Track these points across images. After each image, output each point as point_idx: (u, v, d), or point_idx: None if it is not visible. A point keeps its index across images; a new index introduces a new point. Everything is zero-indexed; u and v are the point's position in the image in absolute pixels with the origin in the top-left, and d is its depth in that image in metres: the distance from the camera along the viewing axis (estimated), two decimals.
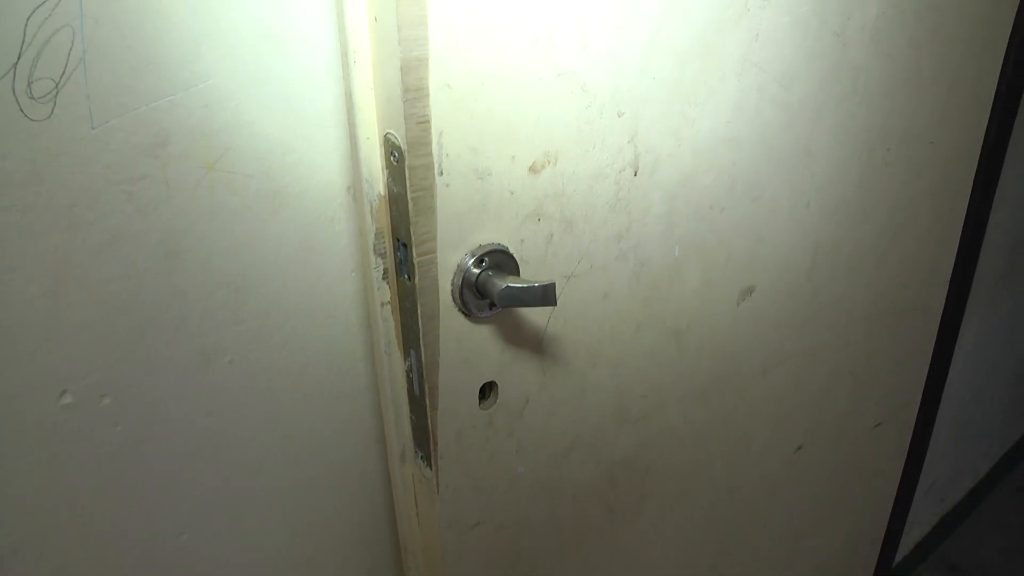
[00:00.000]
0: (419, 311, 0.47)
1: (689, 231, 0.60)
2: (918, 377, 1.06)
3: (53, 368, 0.43)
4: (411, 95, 0.41)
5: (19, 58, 0.39)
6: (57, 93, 0.40)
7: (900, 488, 1.25)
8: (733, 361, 0.71)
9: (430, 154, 0.43)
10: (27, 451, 0.44)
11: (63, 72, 0.40)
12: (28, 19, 0.39)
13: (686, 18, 0.52)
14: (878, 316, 0.90)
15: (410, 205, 0.44)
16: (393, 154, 0.44)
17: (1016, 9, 0.88)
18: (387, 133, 0.44)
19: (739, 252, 0.66)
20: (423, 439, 0.52)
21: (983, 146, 0.96)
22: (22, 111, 0.40)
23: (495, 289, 0.46)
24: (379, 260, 0.48)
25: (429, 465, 0.52)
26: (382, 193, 0.46)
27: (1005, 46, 0.89)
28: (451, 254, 0.46)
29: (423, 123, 0.42)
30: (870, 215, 0.80)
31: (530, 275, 0.50)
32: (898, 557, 1.66)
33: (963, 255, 1.05)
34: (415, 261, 0.46)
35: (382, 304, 0.49)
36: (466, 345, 0.49)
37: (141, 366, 0.46)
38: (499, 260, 0.48)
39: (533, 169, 0.48)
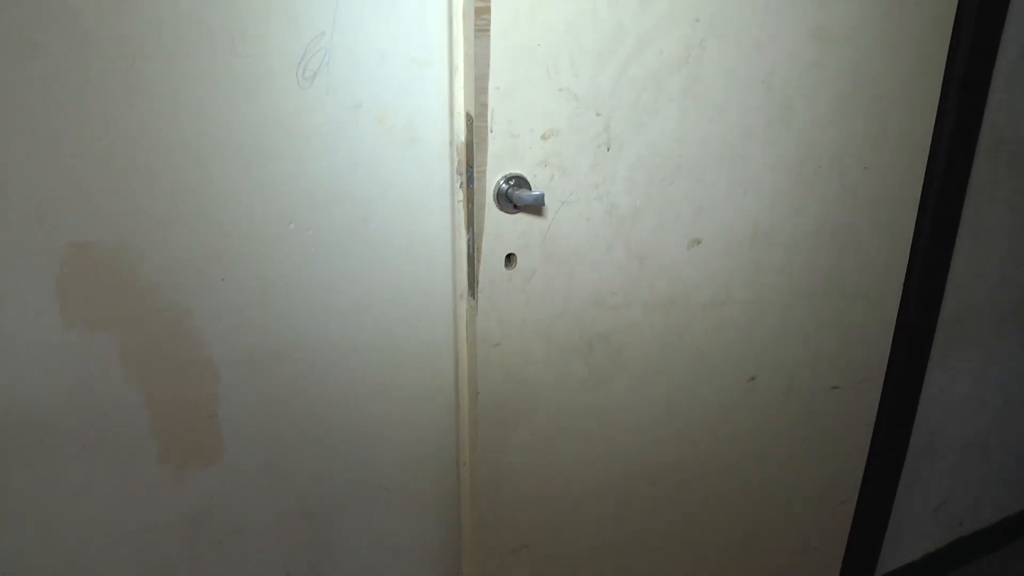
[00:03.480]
0: (475, 205, 0.96)
1: (646, 192, 1.07)
2: (874, 358, 1.44)
3: (286, 211, 0.96)
4: (480, 92, 0.92)
5: (301, 59, 0.93)
6: (315, 76, 0.93)
7: (875, 469, 1.61)
8: (685, 288, 1.16)
9: (486, 122, 0.93)
10: (268, 261, 0.96)
11: (318, 68, 0.93)
12: (308, 43, 0.93)
13: (643, 62, 1.00)
14: (822, 294, 1.31)
15: (475, 147, 0.94)
16: (469, 119, 0.94)
17: (944, 65, 1.29)
18: (467, 111, 0.95)
19: (686, 214, 1.11)
20: (472, 281, 1.01)
21: (926, 182, 1.36)
22: (298, 84, 0.93)
23: (515, 196, 0.95)
24: (459, 177, 0.98)
25: (474, 298, 1.01)
26: (463, 140, 0.96)
27: (937, 97, 1.30)
28: (494, 175, 0.96)
29: (483, 105, 0.92)
30: (806, 211, 1.23)
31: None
32: (903, 561, 1.97)
33: (922, 276, 1.44)
34: (475, 177, 0.95)
35: (458, 201, 0.99)
36: (499, 228, 0.98)
37: (326, 217, 0.98)
38: (520, 182, 0.97)
39: (543, 136, 0.97)
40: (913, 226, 1.38)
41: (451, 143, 0.99)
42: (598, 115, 0.99)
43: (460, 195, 1.00)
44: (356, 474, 1.15)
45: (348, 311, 1.04)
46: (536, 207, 0.97)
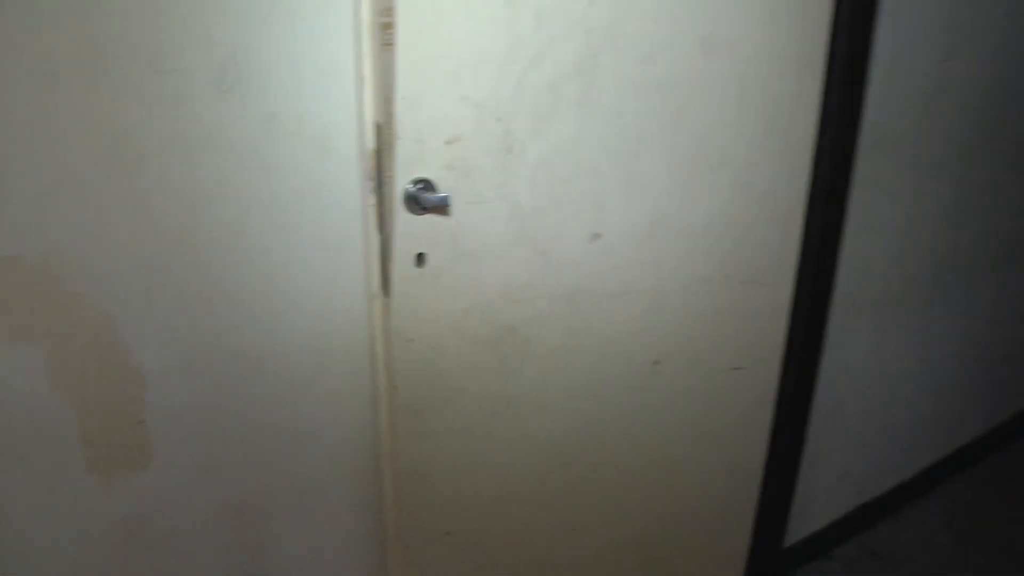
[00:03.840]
0: (385, 208, 1.03)
1: (548, 191, 1.15)
2: (771, 339, 1.56)
3: (208, 219, 1.00)
4: (387, 102, 0.98)
5: (218, 74, 0.98)
6: (231, 90, 0.98)
7: (779, 443, 1.73)
8: (588, 280, 1.25)
9: (393, 129, 1.00)
10: (192, 269, 1.01)
11: (234, 82, 0.98)
12: (223, 59, 0.98)
13: (540, 71, 1.08)
14: (720, 281, 1.42)
15: (384, 154, 1.01)
16: (378, 127, 1.01)
17: (823, 67, 1.40)
18: (376, 120, 1.01)
19: (586, 210, 1.20)
20: (385, 281, 1.08)
21: (814, 175, 1.48)
22: (215, 98, 0.98)
23: (422, 198, 1.02)
24: (370, 182, 1.05)
25: (387, 296, 1.08)
26: (372, 148, 1.03)
27: (818, 98, 1.42)
28: (402, 180, 1.03)
29: (390, 114, 0.99)
30: (700, 205, 1.33)
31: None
32: (811, 529, 2.11)
33: (816, 259, 1.56)
34: (385, 182, 1.02)
35: (370, 205, 1.05)
36: (409, 229, 1.05)
37: (245, 223, 1.03)
38: (427, 185, 1.04)
39: (448, 142, 1.04)
40: (801, 216, 1.49)
41: (361, 150, 1.06)
42: (499, 120, 1.07)
43: (371, 199, 1.06)
44: (283, 472, 1.21)
45: (268, 314, 1.10)
46: (443, 208, 1.04)
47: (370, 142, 1.03)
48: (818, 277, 1.63)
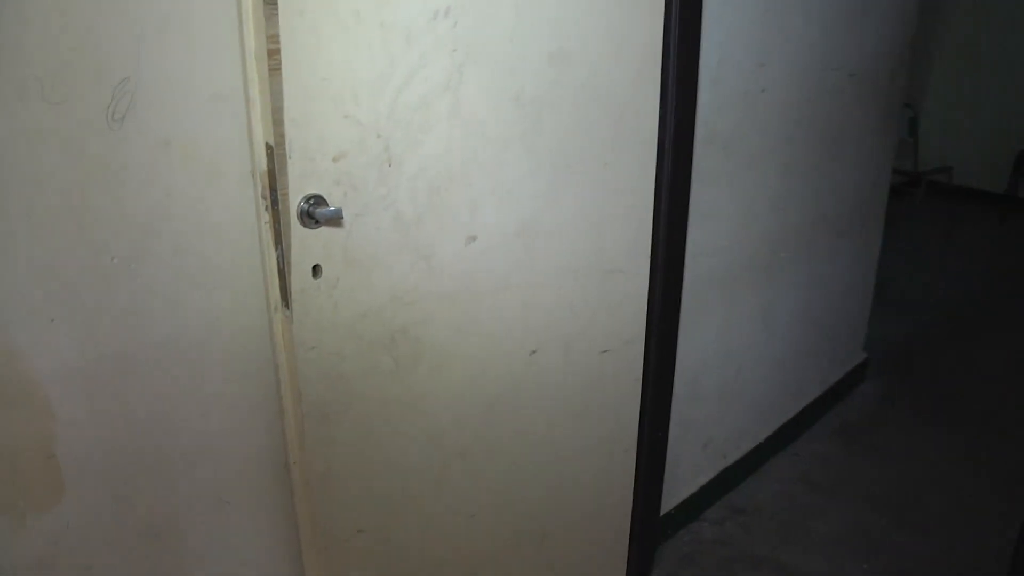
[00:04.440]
0: (281, 224, 1.11)
1: (426, 200, 1.26)
2: (634, 322, 1.74)
3: (108, 246, 1.05)
4: (277, 124, 1.06)
5: (110, 102, 1.02)
6: (123, 118, 1.03)
7: (649, 418, 1.92)
8: (469, 281, 1.37)
9: (284, 149, 1.08)
10: (96, 296, 1.05)
11: (126, 110, 1.03)
12: (115, 87, 1.03)
13: (412, 89, 1.19)
14: (585, 272, 1.58)
15: (277, 172, 1.09)
16: (269, 149, 1.09)
17: (659, 73, 1.59)
18: (267, 141, 1.09)
19: (461, 215, 1.32)
20: (285, 294, 1.15)
21: (658, 171, 1.68)
22: (108, 127, 1.03)
23: (316, 213, 1.11)
24: (264, 200, 1.12)
25: (288, 308, 1.16)
26: (265, 168, 1.11)
27: (658, 101, 1.61)
28: (295, 196, 1.11)
29: (280, 135, 1.07)
30: (562, 204, 1.49)
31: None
32: (683, 496, 2.33)
33: (666, 248, 1.76)
34: (279, 199, 1.10)
35: (266, 222, 1.13)
36: (304, 242, 1.13)
37: (145, 248, 1.08)
38: (319, 201, 1.13)
39: (335, 159, 1.13)
40: (651, 209, 1.69)
41: (253, 170, 1.13)
42: (379, 136, 1.17)
43: (266, 217, 1.13)
44: (196, 490, 1.25)
45: (172, 336, 1.15)
46: (336, 220, 1.13)
47: (263, 162, 1.11)
48: (669, 263, 1.83)
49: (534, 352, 1.53)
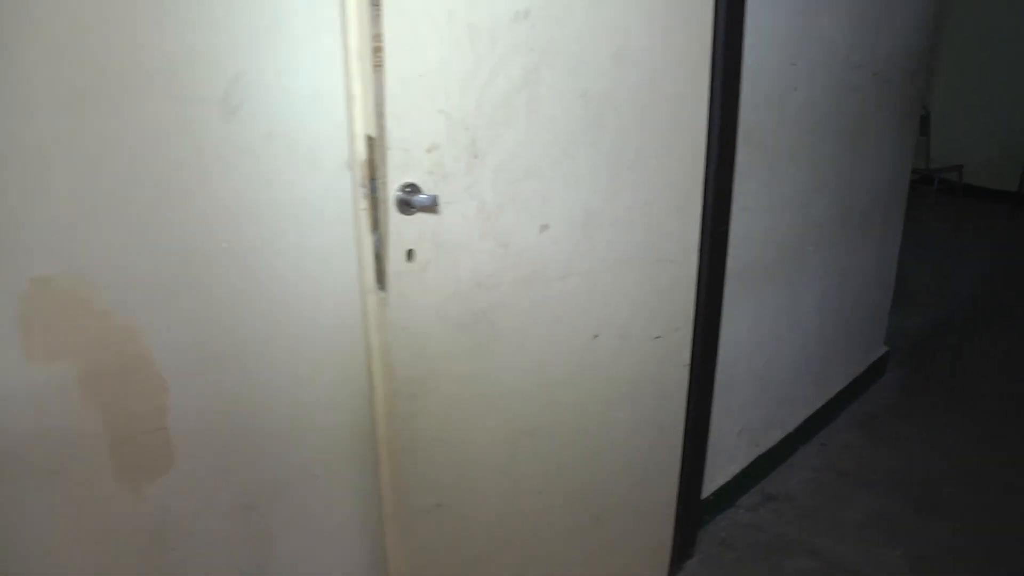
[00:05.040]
0: (379, 211, 1.20)
1: (505, 190, 1.35)
2: (683, 310, 1.83)
3: (219, 231, 1.13)
4: (379, 116, 1.15)
5: (224, 95, 1.11)
6: (236, 110, 1.12)
7: (694, 404, 2.01)
8: (541, 267, 1.46)
9: (384, 142, 1.17)
10: (207, 278, 1.13)
11: (239, 104, 1.12)
12: (230, 82, 1.12)
13: (496, 85, 1.28)
14: (640, 261, 1.67)
15: (376, 162, 1.17)
16: (370, 141, 1.17)
17: (709, 74, 1.69)
18: (367, 133, 1.18)
19: (535, 205, 1.41)
20: (380, 276, 1.24)
21: (708, 165, 1.77)
22: (222, 118, 1.11)
23: (412, 200, 1.20)
24: (362, 189, 1.21)
25: (383, 289, 1.24)
26: (364, 158, 1.19)
27: (707, 100, 1.70)
28: (393, 185, 1.20)
29: (381, 127, 1.16)
30: (621, 196, 1.58)
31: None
32: (720, 483, 2.41)
33: (710, 238, 1.85)
34: (378, 188, 1.18)
35: (363, 209, 1.22)
36: (400, 228, 1.22)
37: (251, 233, 1.16)
38: (414, 189, 1.21)
39: (428, 150, 1.22)
40: (700, 202, 1.78)
41: (351, 161, 1.22)
42: (466, 130, 1.26)
43: (363, 204, 1.22)
44: (288, 463, 1.33)
45: (273, 316, 1.23)
46: (430, 207, 1.22)
47: (362, 153, 1.19)
48: (714, 254, 1.92)
49: (596, 336, 1.62)
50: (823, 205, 2.49)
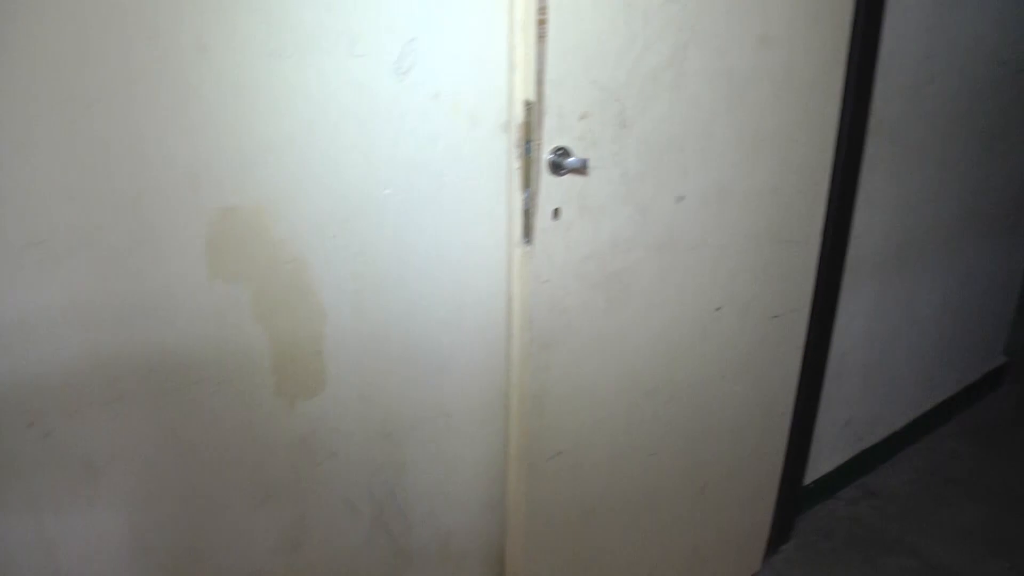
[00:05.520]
0: (532, 170, 1.31)
1: (648, 159, 1.44)
2: (802, 291, 1.88)
3: (384, 179, 1.27)
4: (539, 83, 1.26)
5: (398, 58, 1.24)
6: (407, 72, 1.24)
7: (803, 387, 2.05)
8: (673, 234, 1.54)
9: (541, 106, 1.27)
10: (369, 221, 1.27)
11: (410, 66, 1.25)
12: (404, 45, 1.24)
13: (646, 60, 1.37)
14: (766, 239, 1.73)
15: (533, 125, 1.28)
16: (528, 105, 1.28)
17: (845, 61, 1.73)
18: (526, 98, 1.29)
19: (674, 176, 1.49)
20: (527, 231, 1.35)
21: (837, 152, 1.81)
22: (395, 78, 1.24)
23: (563, 162, 1.30)
24: (516, 149, 1.32)
25: (529, 244, 1.35)
26: (521, 121, 1.30)
27: (841, 86, 1.75)
28: (547, 147, 1.30)
29: (540, 93, 1.27)
30: (754, 174, 1.64)
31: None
32: (821, 472, 2.44)
33: (834, 228, 1.89)
34: (532, 149, 1.29)
35: (516, 167, 1.33)
36: (549, 188, 1.33)
37: (412, 183, 1.29)
38: (565, 152, 1.32)
39: (580, 117, 1.32)
40: (827, 187, 1.82)
41: (508, 122, 1.33)
42: (617, 100, 1.36)
43: (517, 163, 1.33)
44: (426, 400, 1.46)
45: (424, 260, 1.36)
46: (580, 170, 1.32)
47: (519, 116, 1.30)
48: (836, 240, 1.96)
49: (719, 309, 1.69)
50: (950, 204, 2.47)
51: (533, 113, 1.28)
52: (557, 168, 1.32)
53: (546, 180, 1.32)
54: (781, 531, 2.26)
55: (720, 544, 2.06)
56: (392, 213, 1.31)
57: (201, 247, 1.16)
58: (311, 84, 1.18)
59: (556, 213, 1.36)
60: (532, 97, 1.28)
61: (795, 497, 2.28)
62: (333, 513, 1.44)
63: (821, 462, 2.43)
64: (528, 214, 1.34)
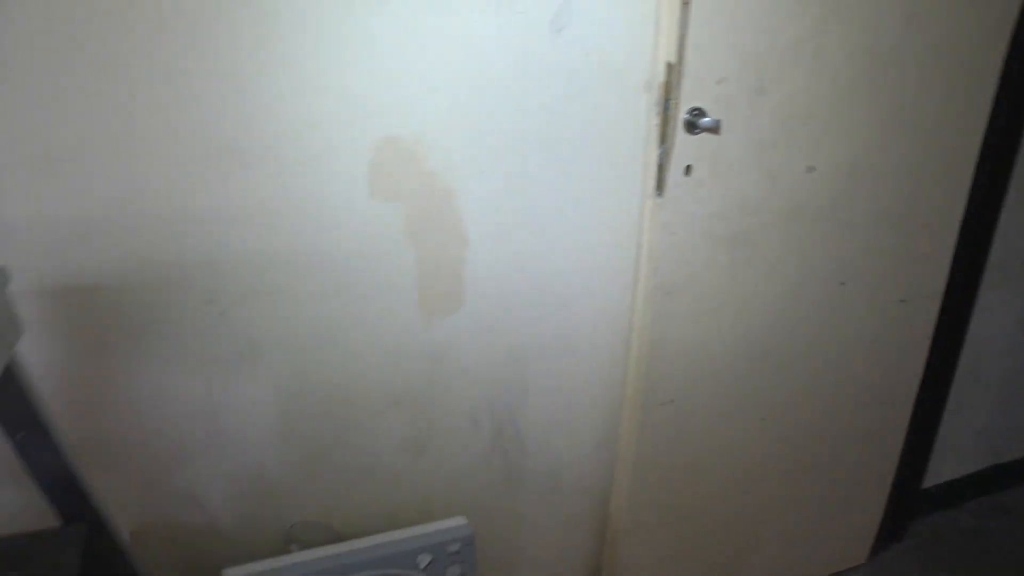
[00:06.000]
0: (668, 127, 1.43)
1: (778, 127, 1.52)
2: (935, 279, 1.89)
3: (534, 126, 1.42)
4: (681, 48, 1.38)
5: (554, 17, 1.39)
6: (561, 30, 1.39)
7: (929, 380, 2.05)
8: (802, 203, 1.61)
9: (681, 69, 1.39)
10: (515, 160, 1.43)
11: (564, 25, 1.39)
12: (560, 6, 1.39)
13: (786, 32, 1.46)
14: (897, 219, 1.76)
15: (672, 86, 1.40)
16: (669, 67, 1.40)
17: (1008, 43, 1.74)
18: (668, 60, 1.41)
19: (805, 146, 1.57)
20: (660, 184, 1.47)
21: (987, 140, 1.81)
22: (550, 35, 1.39)
23: (698, 122, 1.41)
24: (657, 107, 1.44)
25: (660, 196, 1.47)
26: (662, 80, 1.42)
27: (999, 70, 1.75)
28: (684, 106, 1.42)
29: (680, 57, 1.38)
30: (890, 152, 1.68)
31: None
32: (945, 478, 2.40)
33: (976, 211, 1.89)
34: (670, 107, 1.41)
35: (655, 124, 1.45)
36: (683, 145, 1.44)
37: (560, 131, 1.44)
38: (701, 113, 1.43)
39: (718, 81, 1.43)
40: (971, 175, 1.82)
41: (649, 82, 1.46)
42: (754, 68, 1.45)
43: (655, 120, 1.45)
44: (552, 332, 1.61)
45: (562, 203, 1.50)
46: (713, 130, 1.43)
47: (660, 76, 1.43)
48: (978, 233, 1.95)
49: (843, 284, 1.75)
50: None
51: (673, 74, 1.40)
52: (692, 127, 1.43)
53: (681, 138, 1.44)
54: (893, 529, 2.26)
55: (825, 528, 2.09)
56: (536, 157, 1.46)
57: (364, 169, 1.36)
58: (474, 35, 1.35)
59: (688, 170, 1.47)
60: (673, 59, 1.40)
61: (911, 497, 2.26)
62: (455, 426, 1.61)
63: (945, 467, 2.39)
64: (662, 168, 1.46)
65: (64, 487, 1.15)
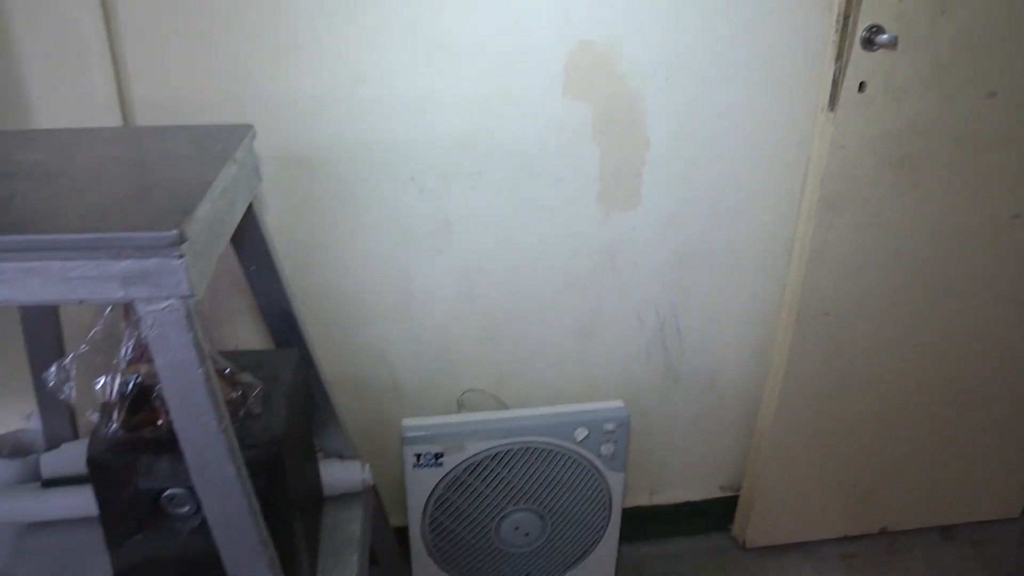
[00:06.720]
0: (846, 44, 1.53)
1: (962, 50, 1.58)
2: None
3: (709, 40, 1.56)
4: None
5: None
6: None
7: None
8: (976, 131, 1.66)
9: None
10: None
11: None
12: None
13: None
14: None
15: (852, 3, 1.50)
16: None
17: None
18: None
19: (986, 70, 1.61)
20: (833, 100, 1.57)
21: None
22: None
23: (875, 39, 1.50)
24: (836, 24, 1.54)
25: (832, 111, 1.58)
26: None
27: None
28: (862, 23, 1.51)
29: None
30: None
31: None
32: None
33: None
34: (848, 25, 1.51)
35: (832, 41, 1.56)
36: (859, 62, 1.54)
37: (740, 47, 1.57)
38: (879, 29, 1.52)
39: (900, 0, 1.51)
40: None
41: (831, 1, 1.56)
42: (942, 14, 1.52)
43: (833, 37, 1.55)
44: (718, 238, 1.75)
45: (737, 112, 1.63)
46: (890, 46, 1.51)
47: None
48: None
49: (1016, 216, 1.78)
50: None
51: None
52: (869, 44, 1.53)
53: (856, 54, 1.53)
54: None
55: (976, 473, 2.12)
56: (717, 68, 1.60)
57: (561, 68, 1.54)
58: None
59: (861, 87, 1.56)
60: None
61: None
62: (622, 316, 1.79)
63: None
64: (836, 84, 1.57)
65: (282, 317, 1.41)
